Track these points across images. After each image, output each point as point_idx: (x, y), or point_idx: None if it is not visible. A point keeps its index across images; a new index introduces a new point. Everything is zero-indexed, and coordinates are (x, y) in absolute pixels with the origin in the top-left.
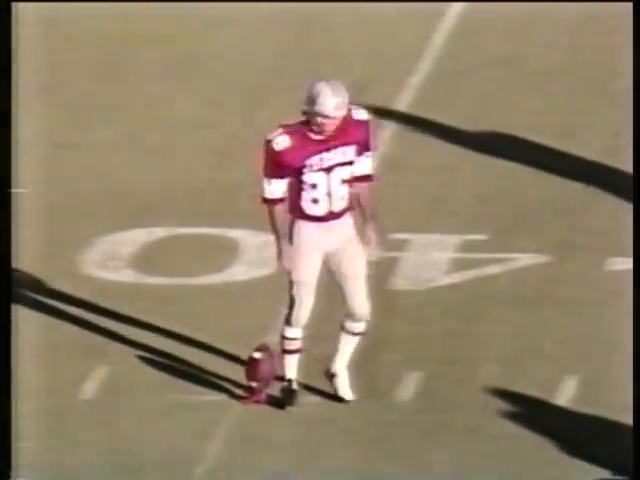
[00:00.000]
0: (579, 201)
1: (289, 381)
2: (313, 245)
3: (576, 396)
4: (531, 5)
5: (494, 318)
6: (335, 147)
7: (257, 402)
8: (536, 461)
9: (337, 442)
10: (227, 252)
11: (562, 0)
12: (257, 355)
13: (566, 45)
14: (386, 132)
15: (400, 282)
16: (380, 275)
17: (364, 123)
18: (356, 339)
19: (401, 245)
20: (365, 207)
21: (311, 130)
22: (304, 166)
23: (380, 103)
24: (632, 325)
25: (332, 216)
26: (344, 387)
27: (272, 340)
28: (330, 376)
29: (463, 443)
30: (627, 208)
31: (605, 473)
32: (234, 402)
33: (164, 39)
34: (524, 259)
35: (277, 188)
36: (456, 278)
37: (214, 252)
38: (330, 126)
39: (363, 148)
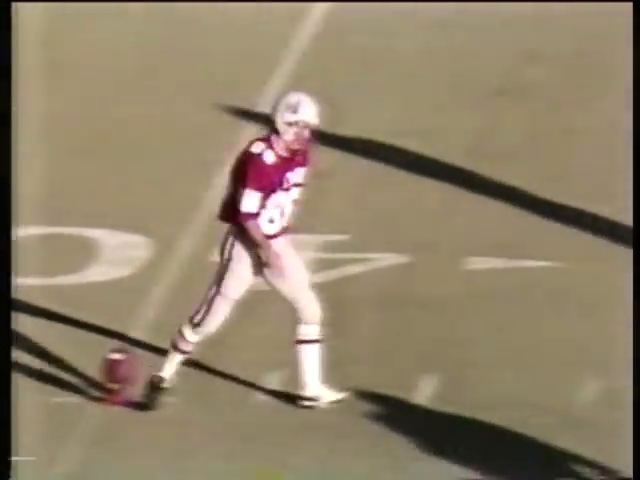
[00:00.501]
0: (438, 201)
1: (160, 378)
2: (254, 265)
3: (435, 394)
4: (395, 5)
5: (356, 317)
6: (296, 167)
7: (116, 403)
8: (397, 459)
9: (195, 444)
10: (85, 252)
11: (552, 0)
12: (114, 356)
13: (427, 47)
14: (248, 133)
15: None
16: None
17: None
18: (317, 347)
19: None
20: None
21: (279, 147)
22: (281, 183)
23: (242, 104)
24: (632, 327)
25: (279, 235)
26: (330, 394)
27: (135, 338)
28: (314, 400)
29: (326, 443)
30: (484, 208)
31: (467, 472)
32: (93, 404)
33: None
34: (384, 259)
35: (256, 203)
36: (318, 278)
37: (71, 252)
38: (307, 136)
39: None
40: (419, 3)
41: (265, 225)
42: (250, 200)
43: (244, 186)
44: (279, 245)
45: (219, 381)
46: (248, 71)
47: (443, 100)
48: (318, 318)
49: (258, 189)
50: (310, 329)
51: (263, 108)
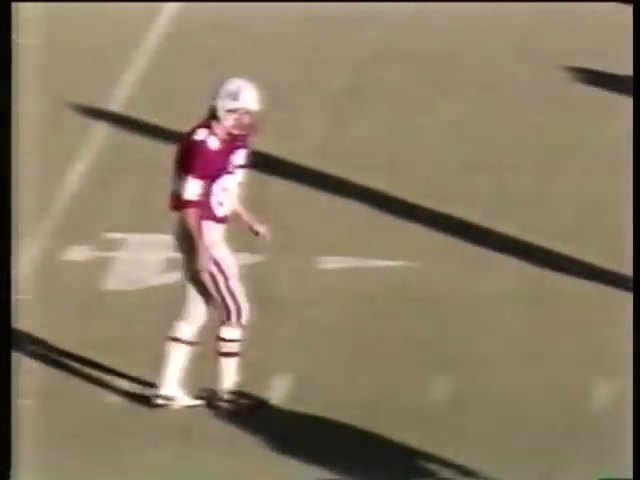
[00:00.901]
0: (288, 201)
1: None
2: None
3: (289, 394)
4: (249, 5)
5: None
6: (237, 149)
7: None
8: (250, 460)
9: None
10: None
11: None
12: None
13: (281, 44)
14: (99, 132)
15: (113, 282)
16: (93, 275)
17: None
18: (237, 347)
19: (115, 245)
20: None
21: (221, 132)
22: (225, 167)
23: (93, 102)
24: (632, 326)
25: (227, 219)
26: (185, 398)
27: None
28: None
29: (176, 444)
30: (335, 208)
31: (322, 471)
32: (92, 403)
33: None
34: (237, 259)
35: (198, 190)
36: (170, 278)
37: None
38: (248, 122)
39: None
40: (273, 3)
41: (216, 208)
42: (192, 187)
43: (187, 173)
44: (220, 233)
45: (75, 381)
46: (98, 70)
47: (292, 99)
48: (244, 318)
49: (201, 176)
50: (232, 330)
51: (113, 107)
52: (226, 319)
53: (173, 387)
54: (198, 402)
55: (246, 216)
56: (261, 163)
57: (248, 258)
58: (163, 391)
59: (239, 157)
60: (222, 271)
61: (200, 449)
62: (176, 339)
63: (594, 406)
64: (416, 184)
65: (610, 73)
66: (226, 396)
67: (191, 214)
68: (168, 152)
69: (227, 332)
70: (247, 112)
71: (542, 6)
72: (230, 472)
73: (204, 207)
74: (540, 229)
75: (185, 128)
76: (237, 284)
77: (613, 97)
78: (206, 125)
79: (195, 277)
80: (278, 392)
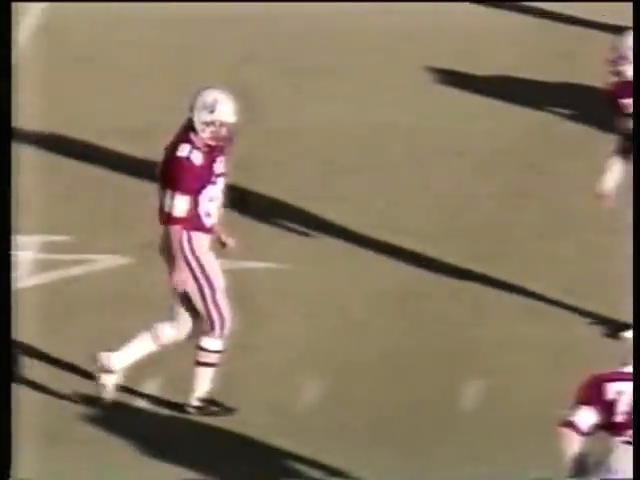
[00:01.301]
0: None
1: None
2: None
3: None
4: (122, 5)
5: (79, 320)
6: (217, 157)
7: None
8: (116, 463)
9: None
10: None
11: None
12: None
13: (155, 45)
14: None
15: None
16: None
17: None
18: (216, 358)
19: None
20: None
21: (200, 145)
22: (209, 178)
23: None
24: (633, 323)
25: (215, 228)
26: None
27: None
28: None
29: (41, 448)
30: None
31: (188, 473)
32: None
33: None
34: (105, 260)
35: (186, 207)
36: (39, 279)
37: None
38: (225, 134)
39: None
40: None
41: (204, 219)
42: (181, 204)
43: (174, 190)
44: (205, 243)
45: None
46: None
47: (162, 99)
48: (226, 330)
49: (189, 192)
50: (214, 342)
51: None
52: (209, 330)
53: (120, 363)
54: (113, 383)
55: (216, 227)
56: (131, 165)
57: (116, 260)
58: (108, 360)
59: (219, 166)
60: (209, 282)
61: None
62: (155, 335)
63: (463, 405)
64: (283, 184)
65: (472, 74)
66: (196, 403)
67: (176, 230)
68: (29, 152)
69: (209, 342)
70: (223, 124)
71: (409, 6)
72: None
73: (193, 219)
74: (411, 230)
75: (59, 129)
76: (223, 296)
77: (474, 98)
78: (186, 139)
79: (177, 288)
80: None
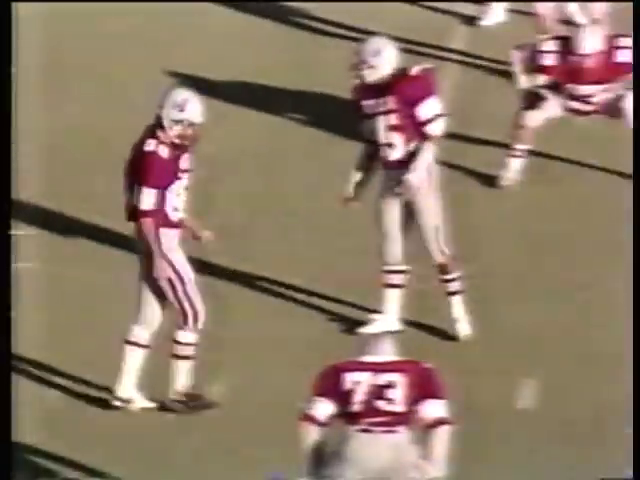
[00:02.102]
0: None
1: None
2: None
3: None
4: None
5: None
6: (183, 154)
7: None
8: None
9: None
10: None
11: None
12: None
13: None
14: None
15: None
16: None
17: None
18: (191, 350)
19: None
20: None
21: (167, 141)
22: (175, 174)
23: None
24: (632, 326)
25: (185, 222)
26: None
27: None
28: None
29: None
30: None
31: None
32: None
33: None
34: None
35: (153, 200)
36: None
37: None
38: (191, 133)
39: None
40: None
41: (171, 214)
42: (147, 198)
43: (141, 184)
44: (176, 238)
45: None
46: None
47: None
48: (199, 321)
49: (156, 186)
50: (187, 335)
51: None
52: (183, 323)
53: (129, 389)
54: (153, 404)
55: (189, 221)
56: None
57: None
58: (120, 394)
59: (184, 162)
60: (180, 277)
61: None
62: (132, 342)
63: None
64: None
65: (212, 79)
66: (177, 397)
67: (147, 224)
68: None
69: (183, 336)
70: (191, 124)
71: (148, 7)
72: None
73: (160, 215)
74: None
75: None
76: (194, 289)
77: (214, 102)
78: (153, 135)
79: (152, 282)
80: None
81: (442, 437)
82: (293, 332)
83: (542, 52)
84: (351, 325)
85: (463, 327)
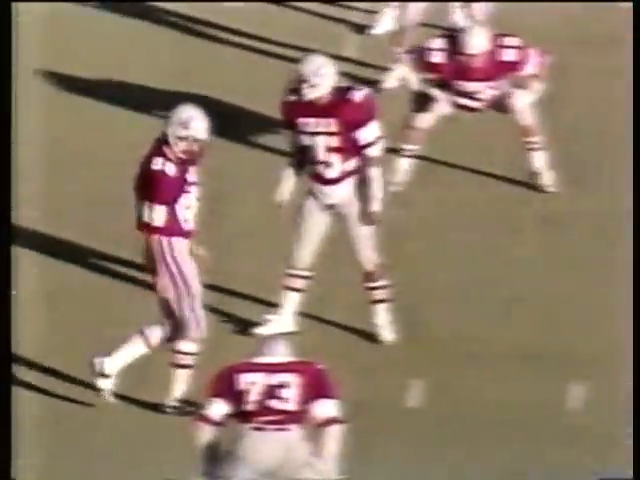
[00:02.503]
0: None
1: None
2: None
3: None
4: None
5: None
6: (190, 167)
7: None
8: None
9: None
10: None
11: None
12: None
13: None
14: None
15: None
16: None
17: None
18: (191, 360)
19: None
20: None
21: (173, 157)
22: (183, 188)
23: None
24: (632, 327)
25: (191, 234)
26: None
27: None
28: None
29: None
30: None
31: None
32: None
33: None
34: None
35: (164, 217)
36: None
37: None
38: (196, 150)
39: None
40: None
41: (183, 224)
42: (159, 214)
43: (152, 201)
44: (185, 248)
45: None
46: None
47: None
48: (202, 334)
49: (165, 202)
50: (188, 345)
51: None
52: (185, 333)
53: (115, 369)
54: (114, 401)
55: (193, 233)
56: None
57: None
58: (106, 365)
59: (192, 175)
60: (188, 289)
61: None
62: (143, 335)
63: None
64: None
65: (111, 85)
66: (174, 403)
67: (157, 239)
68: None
69: (185, 345)
70: (196, 140)
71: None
72: None
73: (173, 226)
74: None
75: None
76: (199, 301)
77: (112, 109)
78: (159, 152)
79: (160, 294)
80: None
81: (333, 435)
82: None
83: (431, 50)
84: (244, 326)
85: (387, 333)
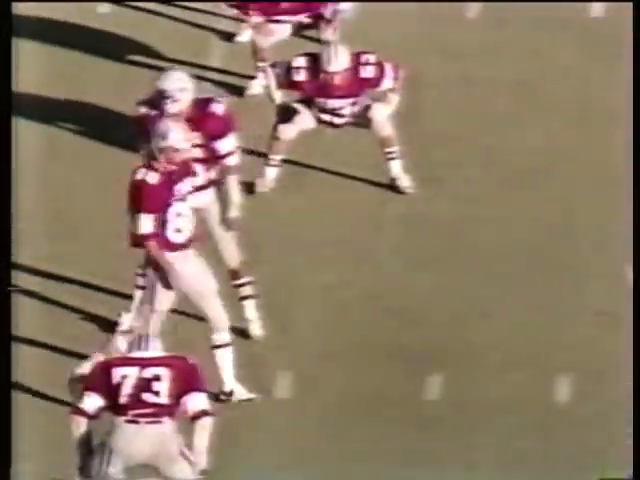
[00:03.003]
0: None
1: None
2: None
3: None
4: None
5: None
6: (182, 178)
7: None
8: None
9: None
10: None
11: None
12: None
13: None
14: None
15: None
16: None
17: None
18: (229, 349)
19: None
20: None
21: (159, 167)
22: (172, 196)
23: None
24: (632, 328)
25: (189, 243)
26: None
27: None
28: (229, 394)
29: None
30: None
31: None
32: None
33: None
34: None
35: (151, 223)
36: None
37: None
38: (178, 159)
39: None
40: None
41: (173, 235)
42: (145, 222)
43: (136, 211)
44: (189, 255)
45: None
46: None
47: None
48: (226, 324)
49: (150, 211)
50: (221, 335)
51: None
52: (215, 329)
53: (232, 382)
54: (253, 395)
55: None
56: None
57: None
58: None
59: (186, 184)
60: (199, 290)
61: None
62: (217, 346)
63: None
64: None
65: None
66: (226, 389)
67: (151, 245)
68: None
69: (218, 338)
70: (175, 150)
71: None
72: None
73: (161, 240)
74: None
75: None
76: (216, 297)
77: None
78: (147, 164)
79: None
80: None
81: (204, 427)
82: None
83: (294, 68)
84: (107, 325)
85: (255, 328)
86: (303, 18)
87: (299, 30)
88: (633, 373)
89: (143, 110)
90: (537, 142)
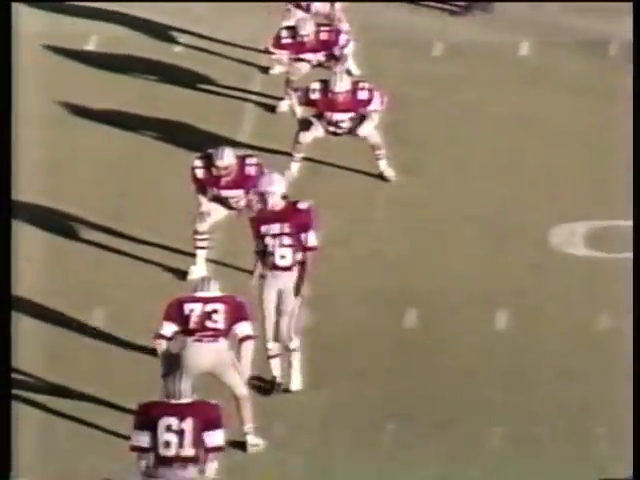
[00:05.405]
0: None
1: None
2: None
3: None
4: None
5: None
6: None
7: None
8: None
9: None
10: None
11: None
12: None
13: None
14: None
15: None
16: None
17: None
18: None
19: None
20: None
21: None
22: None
23: None
24: (632, 328)
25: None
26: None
27: None
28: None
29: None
30: None
31: None
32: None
33: None
34: None
35: None
36: None
37: None
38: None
39: None
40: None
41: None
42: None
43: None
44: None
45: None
46: None
47: None
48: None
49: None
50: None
51: None
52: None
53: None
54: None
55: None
56: None
57: None
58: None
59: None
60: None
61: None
62: (275, 355)
63: None
64: None
65: None
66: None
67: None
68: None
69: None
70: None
71: None
72: None
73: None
74: None
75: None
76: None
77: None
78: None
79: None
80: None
81: (248, 348)
82: (150, 280)
83: (311, 90)
84: (180, 274)
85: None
86: (321, 57)
87: (316, 66)
88: (633, 372)
89: (199, 172)
90: (490, 142)
